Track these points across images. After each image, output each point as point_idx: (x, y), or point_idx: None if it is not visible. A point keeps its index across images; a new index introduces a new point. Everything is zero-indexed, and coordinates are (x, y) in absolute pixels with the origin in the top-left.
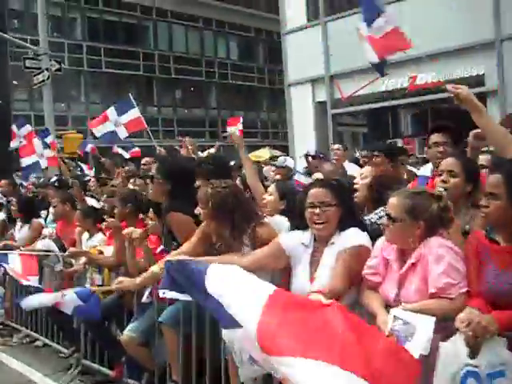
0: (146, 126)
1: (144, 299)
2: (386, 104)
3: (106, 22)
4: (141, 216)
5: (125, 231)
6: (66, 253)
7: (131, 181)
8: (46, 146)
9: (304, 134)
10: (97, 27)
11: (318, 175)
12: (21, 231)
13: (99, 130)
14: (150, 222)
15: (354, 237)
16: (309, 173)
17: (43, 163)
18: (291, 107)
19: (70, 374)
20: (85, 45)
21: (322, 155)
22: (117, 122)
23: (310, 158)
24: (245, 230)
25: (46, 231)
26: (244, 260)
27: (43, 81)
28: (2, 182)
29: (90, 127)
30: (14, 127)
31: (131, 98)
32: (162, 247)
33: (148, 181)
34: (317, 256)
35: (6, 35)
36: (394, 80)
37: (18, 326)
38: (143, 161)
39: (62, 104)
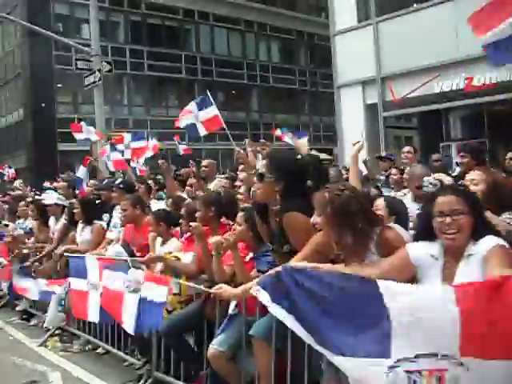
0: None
1: (230, 311)
2: (439, 106)
3: (148, 26)
4: (223, 220)
5: (212, 240)
6: (145, 258)
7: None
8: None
9: (353, 137)
10: (139, 30)
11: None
12: (82, 234)
13: (183, 121)
14: (238, 228)
15: (493, 241)
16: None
17: (110, 166)
18: (340, 109)
19: None
20: (127, 48)
21: (392, 157)
22: (197, 116)
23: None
24: (369, 235)
25: (110, 235)
26: (367, 272)
27: (94, 82)
28: (60, 184)
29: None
30: (82, 123)
31: (209, 94)
32: (251, 255)
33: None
34: (448, 269)
35: (59, 37)
36: (449, 81)
37: (78, 331)
38: (204, 163)
39: (104, 107)
